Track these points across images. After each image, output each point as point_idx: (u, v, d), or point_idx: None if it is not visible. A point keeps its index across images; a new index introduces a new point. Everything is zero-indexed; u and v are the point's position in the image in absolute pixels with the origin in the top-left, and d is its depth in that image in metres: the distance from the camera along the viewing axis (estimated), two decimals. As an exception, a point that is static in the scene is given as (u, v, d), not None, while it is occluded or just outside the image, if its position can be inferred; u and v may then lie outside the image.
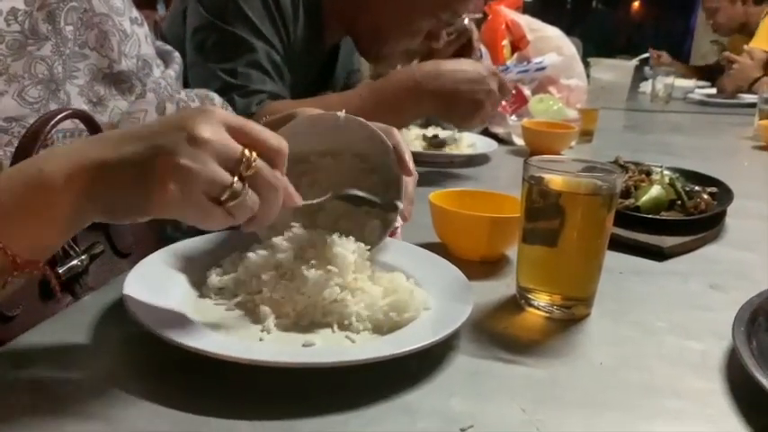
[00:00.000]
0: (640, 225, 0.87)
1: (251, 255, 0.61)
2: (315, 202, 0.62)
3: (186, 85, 0.92)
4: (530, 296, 0.65)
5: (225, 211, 0.47)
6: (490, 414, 0.48)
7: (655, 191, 0.94)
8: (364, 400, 0.48)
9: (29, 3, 0.61)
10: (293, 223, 0.64)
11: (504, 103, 1.54)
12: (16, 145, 0.60)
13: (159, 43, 0.84)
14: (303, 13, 1.21)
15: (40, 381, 0.49)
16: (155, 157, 0.46)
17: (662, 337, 0.62)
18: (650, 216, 0.90)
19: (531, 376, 0.54)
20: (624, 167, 1.04)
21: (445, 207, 0.77)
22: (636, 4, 7.93)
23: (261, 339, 0.54)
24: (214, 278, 0.61)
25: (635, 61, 2.44)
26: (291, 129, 0.66)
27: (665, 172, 1.02)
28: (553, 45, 1.71)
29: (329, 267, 0.58)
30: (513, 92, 1.57)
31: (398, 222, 0.70)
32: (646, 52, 2.67)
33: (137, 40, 0.72)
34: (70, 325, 0.57)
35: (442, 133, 1.34)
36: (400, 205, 0.66)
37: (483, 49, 1.62)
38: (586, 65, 1.98)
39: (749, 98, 2.41)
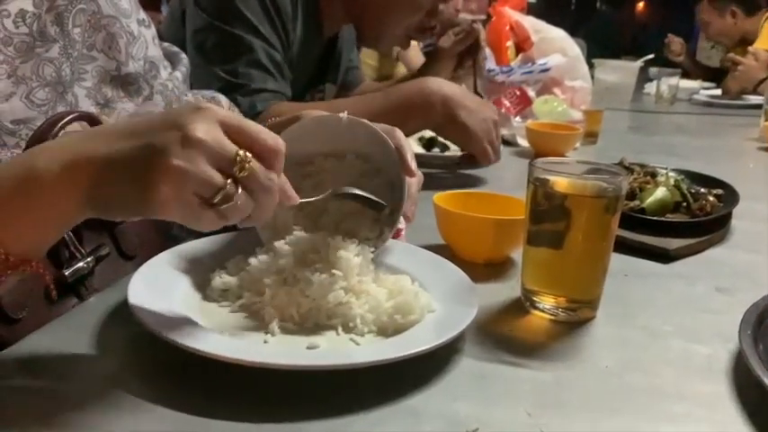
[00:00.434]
0: (646, 227, 0.87)
1: (253, 260, 0.61)
2: (313, 200, 0.62)
3: (191, 86, 0.92)
4: (535, 299, 0.65)
5: (217, 213, 0.47)
6: (495, 417, 0.48)
7: (660, 193, 0.93)
8: (369, 403, 0.48)
9: (37, 5, 0.61)
10: (295, 226, 0.64)
11: (507, 104, 1.54)
12: (24, 147, 0.60)
13: (166, 44, 0.84)
14: (302, 11, 1.21)
15: (44, 382, 0.49)
16: (147, 157, 0.45)
17: (668, 340, 0.62)
18: (656, 218, 0.89)
19: (536, 379, 0.54)
20: (629, 169, 1.04)
21: (450, 209, 0.77)
22: (640, 5, 7.92)
23: (265, 342, 0.54)
24: (218, 280, 0.61)
25: (639, 62, 2.43)
26: (296, 130, 0.66)
27: (671, 174, 1.02)
28: (557, 46, 1.71)
29: (333, 271, 0.58)
30: (518, 93, 1.57)
31: (402, 224, 0.70)
32: (650, 53, 2.66)
33: (144, 41, 0.73)
34: (75, 327, 0.57)
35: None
36: (403, 206, 0.66)
37: (487, 50, 1.62)
38: (591, 66, 1.98)
39: (754, 99, 2.41)
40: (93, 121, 0.64)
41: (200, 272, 0.63)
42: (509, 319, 0.64)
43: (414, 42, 2.48)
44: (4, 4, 0.58)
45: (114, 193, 0.47)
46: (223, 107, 0.81)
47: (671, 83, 2.39)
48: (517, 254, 0.72)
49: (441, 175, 1.19)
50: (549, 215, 0.64)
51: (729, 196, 0.99)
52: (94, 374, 0.50)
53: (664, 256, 0.82)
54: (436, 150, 1.33)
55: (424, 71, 1.57)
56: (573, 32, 1.86)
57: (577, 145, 1.45)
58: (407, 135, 0.72)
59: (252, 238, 0.67)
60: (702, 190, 0.98)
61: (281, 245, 0.62)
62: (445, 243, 0.78)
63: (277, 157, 0.49)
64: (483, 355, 0.57)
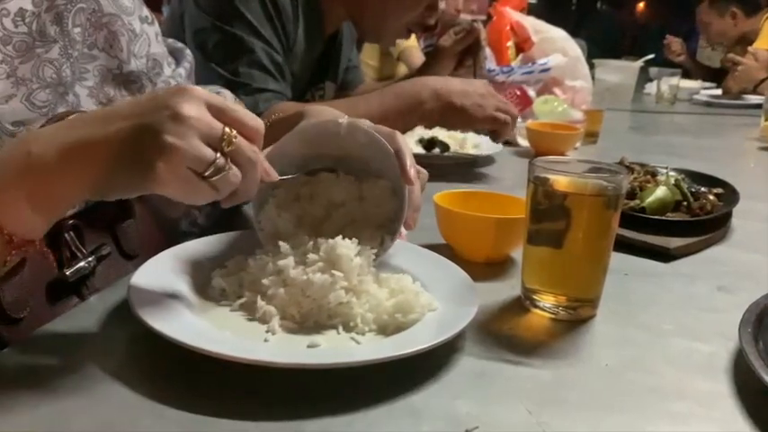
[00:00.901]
0: (646, 226, 0.86)
1: (253, 260, 0.61)
2: (289, 177, 0.64)
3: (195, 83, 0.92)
4: (535, 297, 0.65)
5: (210, 186, 0.49)
6: (495, 415, 0.48)
7: (660, 192, 0.93)
8: (369, 402, 0.48)
9: (37, 4, 0.60)
10: (296, 232, 0.64)
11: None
12: None
13: (171, 41, 0.83)
14: (302, 11, 1.22)
15: (45, 381, 0.49)
16: (141, 136, 0.47)
17: (668, 338, 0.62)
18: (656, 217, 0.89)
19: (537, 378, 0.54)
20: (630, 168, 1.04)
21: (450, 208, 0.77)
22: (641, 6, 7.92)
23: (266, 340, 0.54)
24: (218, 280, 0.61)
25: (640, 62, 2.44)
26: (295, 135, 0.66)
27: (671, 173, 1.02)
28: (558, 46, 1.71)
29: (334, 272, 0.58)
30: (518, 93, 1.57)
31: (403, 231, 0.69)
32: (651, 53, 2.66)
33: (146, 39, 0.72)
34: (76, 326, 0.57)
35: (441, 135, 1.33)
36: (404, 214, 0.65)
37: (488, 50, 1.63)
38: (591, 66, 1.98)
39: (755, 99, 2.41)
40: None
41: (200, 271, 0.63)
42: (509, 317, 0.64)
43: (414, 43, 2.50)
44: (3, 3, 0.58)
45: (113, 175, 0.49)
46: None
47: (671, 83, 2.40)
48: (517, 253, 0.72)
49: (441, 174, 1.18)
50: (549, 214, 0.64)
51: (730, 195, 0.99)
52: (95, 373, 0.50)
53: (664, 255, 0.82)
54: (436, 151, 1.33)
55: (424, 71, 1.57)
56: (573, 33, 1.86)
57: (578, 145, 1.45)
58: (405, 131, 0.71)
59: (252, 238, 0.67)
60: (703, 189, 0.98)
61: (281, 245, 0.61)
62: (445, 242, 0.78)
63: (257, 135, 0.52)
64: (483, 353, 0.57)
